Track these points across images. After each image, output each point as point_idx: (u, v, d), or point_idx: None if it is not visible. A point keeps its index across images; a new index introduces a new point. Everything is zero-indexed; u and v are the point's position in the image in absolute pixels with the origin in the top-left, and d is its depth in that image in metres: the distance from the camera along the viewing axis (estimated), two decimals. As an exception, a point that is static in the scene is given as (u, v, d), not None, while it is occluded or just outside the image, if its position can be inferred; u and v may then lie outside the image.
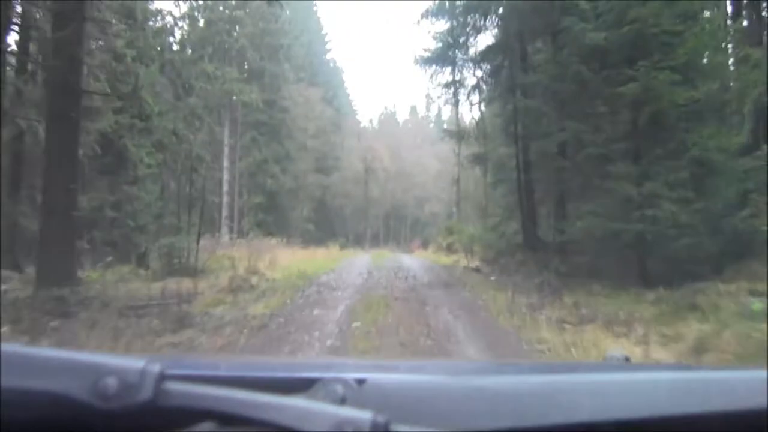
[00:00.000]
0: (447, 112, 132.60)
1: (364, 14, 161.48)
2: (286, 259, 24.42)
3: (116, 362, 0.70)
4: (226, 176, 45.81)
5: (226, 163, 45.73)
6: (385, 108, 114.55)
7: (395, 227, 78.64)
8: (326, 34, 65.17)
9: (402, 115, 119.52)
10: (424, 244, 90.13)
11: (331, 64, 67.78)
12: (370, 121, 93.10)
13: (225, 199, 45.60)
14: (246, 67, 45.08)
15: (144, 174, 26.34)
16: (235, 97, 44.42)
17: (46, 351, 0.73)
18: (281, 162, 45.32)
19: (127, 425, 0.68)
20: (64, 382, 0.68)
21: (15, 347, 0.72)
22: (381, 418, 0.65)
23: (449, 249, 27.06)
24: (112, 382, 0.67)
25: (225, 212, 45.41)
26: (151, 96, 23.59)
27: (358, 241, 60.39)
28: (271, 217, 44.31)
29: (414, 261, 26.68)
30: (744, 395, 0.87)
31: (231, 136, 45.86)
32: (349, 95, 79.08)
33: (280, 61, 46.50)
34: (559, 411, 0.80)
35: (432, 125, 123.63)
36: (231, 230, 45.77)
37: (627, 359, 1.38)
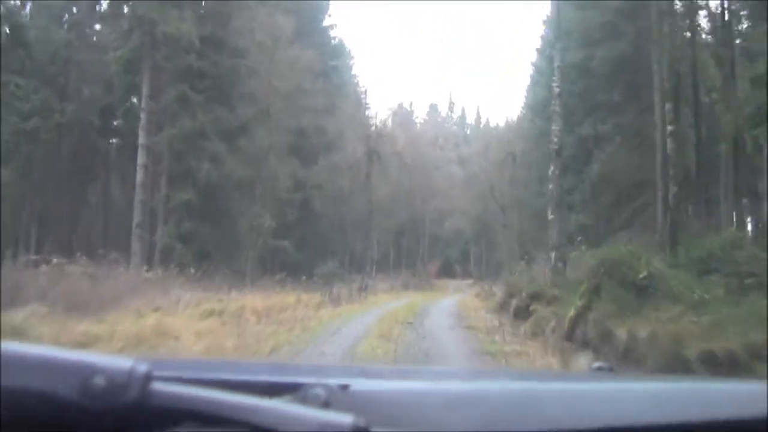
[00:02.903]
0: (472, 113, 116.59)
1: (377, 11, 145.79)
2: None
3: (104, 362, 0.71)
4: (141, 159, 28.18)
5: (142, 139, 28.10)
6: (400, 105, 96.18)
7: (410, 246, 61.15)
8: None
9: (420, 114, 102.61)
10: (446, 270, 73.38)
11: (333, 35, 49.78)
12: (383, 122, 74.88)
13: (139, 195, 27.96)
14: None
15: None
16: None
17: (34, 349, 0.72)
18: (229, 136, 27.59)
19: (114, 424, 0.69)
20: (52, 380, 0.69)
21: (4, 345, 0.71)
22: (361, 422, 0.67)
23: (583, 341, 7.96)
24: (99, 382, 0.68)
25: (138, 217, 27.72)
26: None
27: (359, 265, 42.56)
28: (206, 226, 26.53)
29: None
30: (721, 406, 0.89)
31: (153, 96, 28.30)
32: (357, 82, 60.53)
33: (235, -21, 28.84)
34: (538, 419, 0.81)
35: (455, 128, 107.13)
36: (151, 248, 28.17)
37: (611, 369, 1.38)
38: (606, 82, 28.55)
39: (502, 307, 15.83)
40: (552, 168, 16.81)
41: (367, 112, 38.86)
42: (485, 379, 1.35)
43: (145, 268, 24.28)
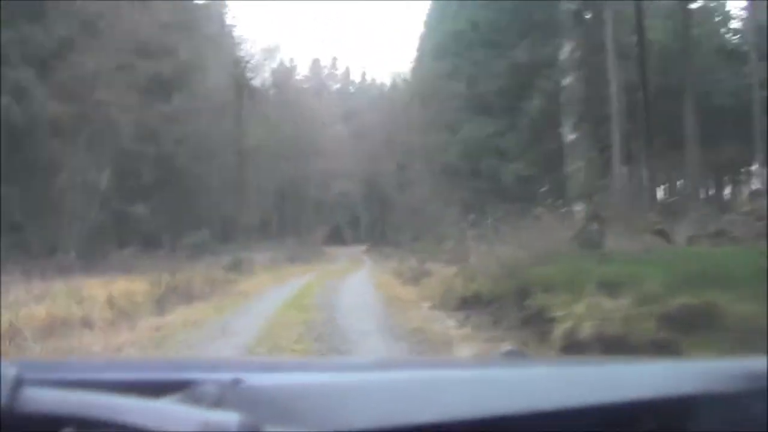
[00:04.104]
0: (357, 73, 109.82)
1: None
2: None
3: None
4: None
5: None
6: (280, 62, 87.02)
7: (294, 211, 54.70)
8: None
9: (302, 72, 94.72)
10: (335, 237, 67.09)
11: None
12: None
13: None
14: None
15: None
16: None
17: None
18: (39, 61, 19.81)
19: None
20: None
21: None
22: (250, 420, 0.63)
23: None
24: None
25: None
26: None
27: (232, 235, 35.53)
28: (9, 186, 18.79)
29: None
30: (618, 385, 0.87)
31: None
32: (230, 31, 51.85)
33: None
34: (441, 407, 0.77)
35: (338, 86, 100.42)
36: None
37: (522, 354, 1.37)
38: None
39: (467, 303, 9.19)
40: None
41: (236, 40, 31.04)
42: (389, 368, 1.26)
43: None
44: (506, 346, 1.31)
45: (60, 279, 15.02)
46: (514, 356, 1.26)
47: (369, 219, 62.73)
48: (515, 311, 7.41)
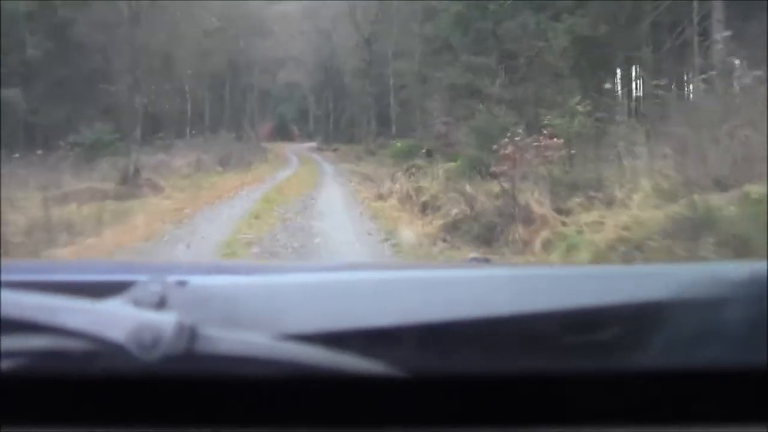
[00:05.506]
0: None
1: None
2: None
3: None
4: None
5: None
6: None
7: (232, 103, 46.82)
8: None
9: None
10: (281, 132, 59.86)
11: None
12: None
13: None
14: None
15: None
16: None
17: None
18: None
19: None
20: None
21: None
22: (187, 321, 0.61)
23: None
24: None
25: None
26: None
27: (151, 130, 28.17)
28: None
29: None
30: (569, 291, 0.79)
31: None
32: None
33: None
34: (394, 309, 0.73)
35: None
36: None
37: (487, 261, 1.32)
38: None
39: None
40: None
41: None
42: (345, 271, 1.15)
43: None
44: (472, 254, 1.68)
45: None
46: (480, 263, 1.21)
47: (320, 112, 55.49)
48: None
